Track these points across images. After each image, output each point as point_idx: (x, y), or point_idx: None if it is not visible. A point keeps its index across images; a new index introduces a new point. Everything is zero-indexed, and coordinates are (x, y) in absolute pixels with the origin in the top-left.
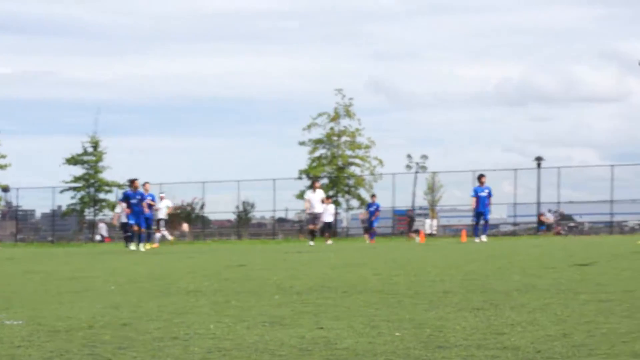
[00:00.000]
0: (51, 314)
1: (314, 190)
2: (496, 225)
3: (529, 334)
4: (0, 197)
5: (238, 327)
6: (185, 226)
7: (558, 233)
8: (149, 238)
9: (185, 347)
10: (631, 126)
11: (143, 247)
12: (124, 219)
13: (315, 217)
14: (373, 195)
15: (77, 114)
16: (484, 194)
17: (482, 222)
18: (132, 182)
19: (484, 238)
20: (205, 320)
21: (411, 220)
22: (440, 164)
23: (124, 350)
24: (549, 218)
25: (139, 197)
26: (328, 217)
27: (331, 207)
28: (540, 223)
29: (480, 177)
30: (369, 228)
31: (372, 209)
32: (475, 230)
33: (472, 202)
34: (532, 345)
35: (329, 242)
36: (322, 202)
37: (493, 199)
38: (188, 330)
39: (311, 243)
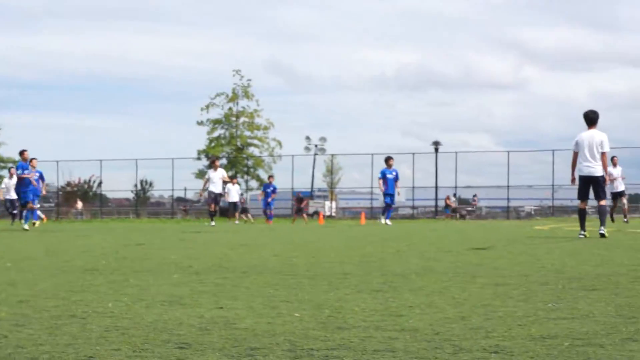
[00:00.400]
0: None
1: (215, 169)
2: (395, 209)
3: (427, 316)
4: None
5: (136, 306)
6: (79, 204)
7: (462, 216)
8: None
9: (83, 325)
10: (528, 114)
11: (31, 224)
12: (9, 195)
13: (215, 197)
14: (270, 177)
15: None
16: (391, 176)
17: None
18: (22, 152)
19: (388, 222)
20: (103, 298)
21: (299, 201)
22: (339, 147)
23: (20, 328)
24: (455, 202)
25: (30, 170)
26: (234, 197)
27: (236, 188)
28: (446, 206)
29: (387, 160)
30: (265, 209)
31: (268, 190)
32: (388, 212)
33: (380, 184)
34: (431, 327)
35: (237, 222)
36: (224, 181)
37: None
38: (86, 308)
39: (212, 223)
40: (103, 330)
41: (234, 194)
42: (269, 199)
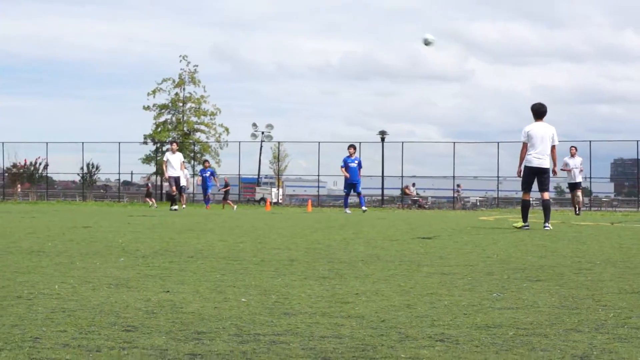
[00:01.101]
0: None
1: (173, 152)
2: (341, 197)
3: (374, 304)
4: None
5: (83, 288)
6: (18, 187)
7: (421, 206)
8: None
9: (29, 307)
10: (472, 106)
11: None
12: None
13: (175, 180)
14: (205, 161)
15: None
16: (354, 164)
17: (357, 194)
18: None
19: (364, 208)
20: (49, 280)
21: (227, 185)
22: (285, 134)
23: None
24: (413, 192)
25: None
26: (182, 182)
27: (185, 172)
28: (405, 195)
29: (349, 148)
30: (204, 195)
31: (206, 174)
32: (345, 201)
33: (342, 172)
34: (377, 314)
35: (184, 206)
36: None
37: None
38: (32, 289)
39: (174, 207)
40: (49, 311)
41: (182, 178)
42: (209, 183)
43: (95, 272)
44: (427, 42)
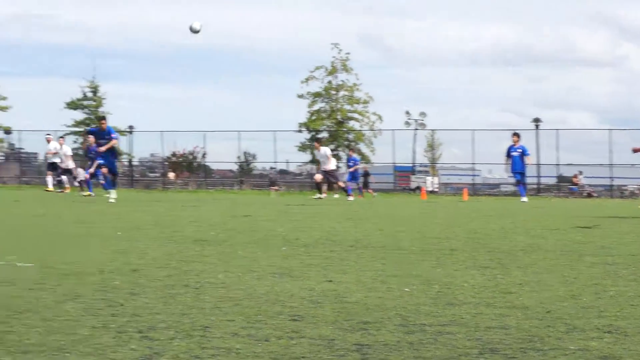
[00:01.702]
0: (61, 257)
1: (319, 150)
2: (497, 185)
3: (537, 294)
4: (2, 139)
5: (247, 277)
6: (171, 174)
7: (590, 195)
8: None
9: (197, 296)
10: (627, 91)
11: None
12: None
13: (324, 172)
14: (351, 149)
15: (77, 58)
16: (516, 153)
17: (516, 182)
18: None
19: (524, 199)
20: (214, 269)
21: (366, 175)
22: (438, 122)
23: (135, 296)
24: (581, 180)
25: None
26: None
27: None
28: (573, 184)
29: (513, 136)
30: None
31: (350, 163)
32: (520, 189)
33: (505, 161)
34: (542, 305)
35: (336, 195)
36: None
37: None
38: (198, 278)
39: (322, 196)
40: (216, 300)
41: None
42: (351, 170)
43: (258, 261)
44: (193, 30)
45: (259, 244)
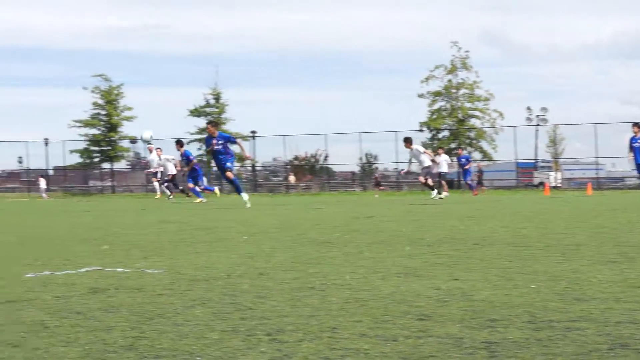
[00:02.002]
0: (189, 263)
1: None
2: (621, 179)
3: None
4: (128, 149)
5: (373, 278)
6: (292, 178)
7: None
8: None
9: (323, 297)
10: None
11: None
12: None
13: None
14: (460, 148)
15: (198, 66)
16: (638, 144)
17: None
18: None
19: None
20: (340, 270)
21: (481, 174)
22: (559, 117)
23: (263, 300)
24: None
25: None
26: (443, 168)
27: (445, 157)
28: None
29: (633, 127)
30: (464, 180)
31: (462, 161)
32: None
33: (628, 153)
34: None
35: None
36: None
37: (620, 152)
38: (324, 280)
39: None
40: (343, 302)
41: (443, 164)
42: (464, 169)
43: (383, 261)
44: (144, 140)
45: (383, 244)
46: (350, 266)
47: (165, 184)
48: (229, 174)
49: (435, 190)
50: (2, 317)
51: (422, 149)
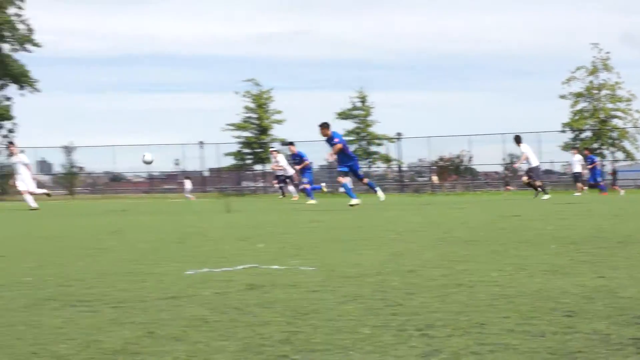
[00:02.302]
0: (340, 261)
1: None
2: None
3: None
4: (279, 151)
5: (519, 275)
6: (434, 178)
7: None
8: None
9: (471, 294)
10: None
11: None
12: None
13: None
14: (586, 149)
15: (344, 70)
16: None
17: None
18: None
19: None
20: (486, 268)
21: (615, 174)
22: None
23: (412, 296)
24: None
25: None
26: (576, 168)
27: (578, 157)
28: None
29: None
30: (594, 183)
31: (588, 161)
32: None
33: None
34: None
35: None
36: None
37: None
38: (471, 277)
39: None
40: (490, 298)
41: (577, 165)
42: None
43: (528, 259)
44: (146, 161)
45: (528, 242)
46: (497, 264)
47: (281, 185)
48: (340, 179)
49: (540, 190)
50: (165, 312)
51: (529, 149)
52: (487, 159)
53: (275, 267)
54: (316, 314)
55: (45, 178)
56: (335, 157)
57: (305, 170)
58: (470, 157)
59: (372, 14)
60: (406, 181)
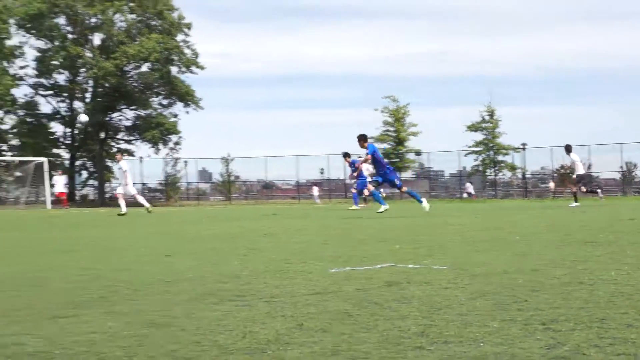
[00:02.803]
0: (469, 260)
1: None
2: None
3: None
4: (414, 160)
5: (637, 274)
6: (551, 184)
7: None
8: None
9: (591, 291)
10: None
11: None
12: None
13: None
14: None
15: (474, 87)
16: None
17: None
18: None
19: None
20: (605, 267)
21: None
22: None
23: (537, 293)
24: None
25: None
26: None
27: None
28: None
29: None
30: None
31: None
32: None
33: None
34: None
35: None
36: None
37: None
38: (591, 276)
39: None
40: (609, 295)
41: None
42: None
43: None
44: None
45: None
46: (615, 263)
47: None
48: (369, 186)
49: (576, 195)
50: (312, 307)
51: (578, 158)
52: (605, 166)
53: (411, 266)
54: (448, 309)
55: (205, 186)
56: (355, 176)
57: (360, 176)
58: (590, 165)
59: (505, 35)
60: (530, 187)
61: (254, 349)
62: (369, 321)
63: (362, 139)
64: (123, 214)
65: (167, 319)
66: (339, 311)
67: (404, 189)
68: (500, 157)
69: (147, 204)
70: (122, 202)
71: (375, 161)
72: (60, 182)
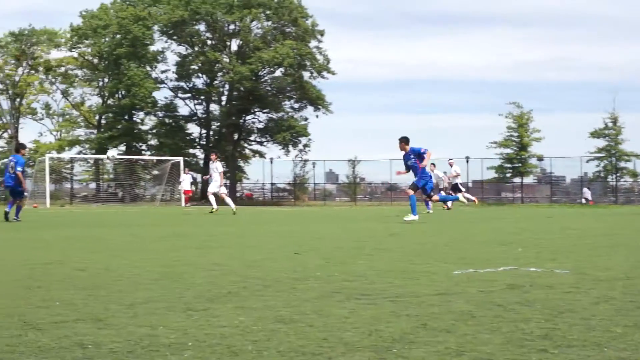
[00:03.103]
0: (591, 265)
1: None
2: None
3: None
4: (536, 165)
5: None
6: None
7: None
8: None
9: None
10: None
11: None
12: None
13: None
14: None
15: (598, 94)
16: None
17: None
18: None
19: None
20: None
21: None
22: None
23: None
24: None
25: None
26: None
27: None
28: None
29: None
30: None
31: None
32: None
33: None
34: None
35: None
36: None
37: None
38: None
39: None
40: None
41: None
42: None
43: None
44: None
45: None
46: None
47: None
48: (408, 190)
49: None
50: (436, 307)
51: None
52: None
53: (533, 270)
54: (571, 313)
55: (331, 187)
56: (403, 173)
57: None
58: None
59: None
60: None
61: (379, 347)
62: (492, 323)
63: (405, 141)
64: (214, 211)
65: (296, 315)
66: (462, 312)
67: (435, 197)
68: (622, 164)
69: (233, 206)
70: (228, 200)
71: (412, 167)
72: (187, 180)
